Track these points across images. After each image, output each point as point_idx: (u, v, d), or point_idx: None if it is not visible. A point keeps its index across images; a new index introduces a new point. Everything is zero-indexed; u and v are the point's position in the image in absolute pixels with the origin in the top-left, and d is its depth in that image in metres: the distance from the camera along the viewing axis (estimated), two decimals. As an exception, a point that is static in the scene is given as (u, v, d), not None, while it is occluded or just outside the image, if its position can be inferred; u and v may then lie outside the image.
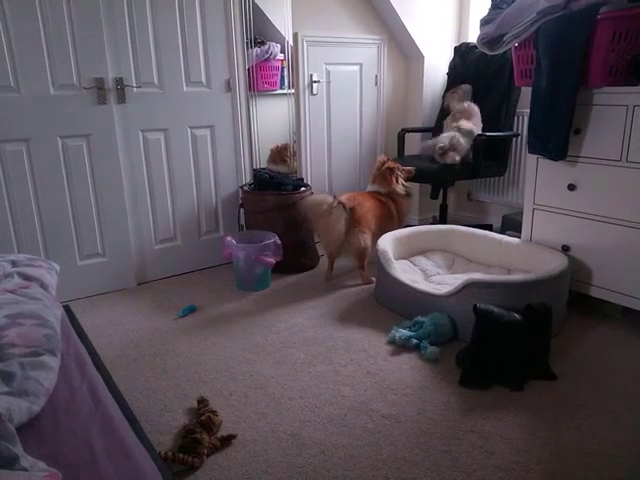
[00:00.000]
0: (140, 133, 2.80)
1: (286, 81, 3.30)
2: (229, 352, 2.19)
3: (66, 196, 2.63)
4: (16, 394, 1.05)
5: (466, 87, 3.36)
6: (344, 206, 2.74)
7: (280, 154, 3.22)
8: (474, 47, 3.32)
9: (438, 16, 3.58)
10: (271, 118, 3.32)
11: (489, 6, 2.50)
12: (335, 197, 2.78)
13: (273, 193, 2.99)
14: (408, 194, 3.06)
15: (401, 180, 3.02)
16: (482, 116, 3.26)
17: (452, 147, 3.04)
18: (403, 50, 3.70)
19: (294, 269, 3.04)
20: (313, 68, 3.33)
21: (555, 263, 2.28)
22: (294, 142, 3.35)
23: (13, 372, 1.10)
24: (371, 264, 2.86)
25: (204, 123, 2.99)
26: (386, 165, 3.00)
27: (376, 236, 2.80)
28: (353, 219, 2.76)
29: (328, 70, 3.40)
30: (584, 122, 2.25)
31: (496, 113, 3.25)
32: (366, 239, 2.79)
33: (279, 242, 2.81)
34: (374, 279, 2.81)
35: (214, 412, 1.70)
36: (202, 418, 1.65)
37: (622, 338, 2.25)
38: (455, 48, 3.59)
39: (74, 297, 2.71)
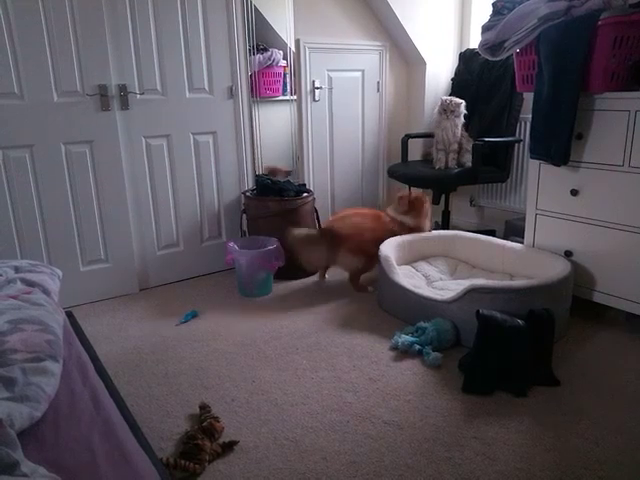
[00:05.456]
0: (143, 139, 2.81)
1: (288, 87, 3.32)
2: (231, 358, 2.18)
3: (69, 202, 2.64)
4: (17, 400, 1.05)
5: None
6: (326, 233, 2.77)
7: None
8: (478, 53, 3.33)
9: (440, 22, 3.59)
10: (273, 124, 3.33)
11: (490, 12, 2.51)
12: (318, 229, 2.82)
13: (275, 199, 2.99)
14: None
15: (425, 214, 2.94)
16: (484, 122, 3.27)
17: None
18: (405, 56, 3.72)
19: (296, 275, 3.03)
20: (315, 74, 3.34)
21: (558, 268, 2.28)
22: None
23: (15, 377, 1.10)
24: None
25: (207, 129, 3.00)
26: (414, 195, 2.88)
27: (371, 259, 2.75)
28: (339, 240, 2.75)
29: (330, 76, 3.42)
30: (586, 127, 2.25)
31: (498, 119, 3.25)
32: (353, 261, 2.78)
33: (281, 248, 2.81)
34: (370, 288, 2.82)
35: (216, 418, 1.70)
36: (204, 424, 1.64)
37: (625, 344, 2.23)
38: (460, 54, 3.60)
39: (76, 303, 2.72)
